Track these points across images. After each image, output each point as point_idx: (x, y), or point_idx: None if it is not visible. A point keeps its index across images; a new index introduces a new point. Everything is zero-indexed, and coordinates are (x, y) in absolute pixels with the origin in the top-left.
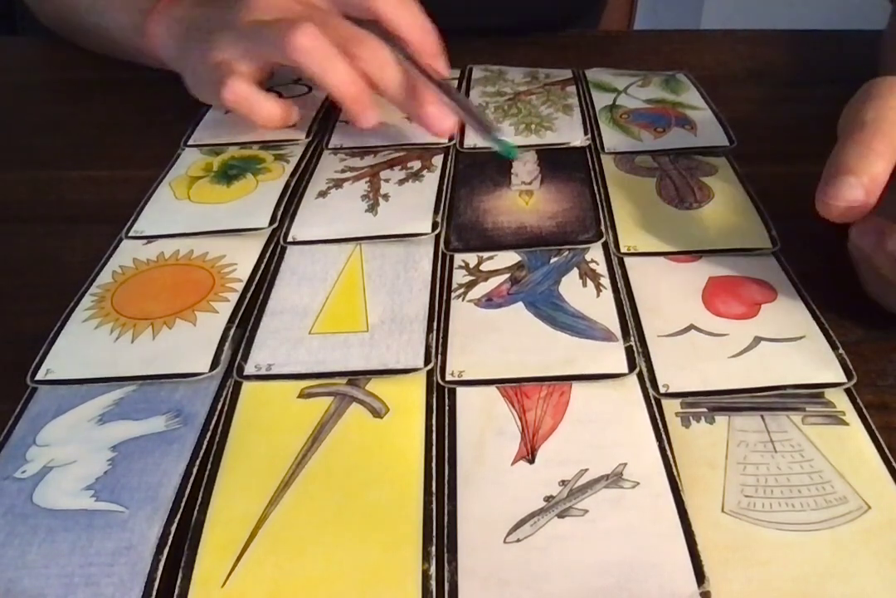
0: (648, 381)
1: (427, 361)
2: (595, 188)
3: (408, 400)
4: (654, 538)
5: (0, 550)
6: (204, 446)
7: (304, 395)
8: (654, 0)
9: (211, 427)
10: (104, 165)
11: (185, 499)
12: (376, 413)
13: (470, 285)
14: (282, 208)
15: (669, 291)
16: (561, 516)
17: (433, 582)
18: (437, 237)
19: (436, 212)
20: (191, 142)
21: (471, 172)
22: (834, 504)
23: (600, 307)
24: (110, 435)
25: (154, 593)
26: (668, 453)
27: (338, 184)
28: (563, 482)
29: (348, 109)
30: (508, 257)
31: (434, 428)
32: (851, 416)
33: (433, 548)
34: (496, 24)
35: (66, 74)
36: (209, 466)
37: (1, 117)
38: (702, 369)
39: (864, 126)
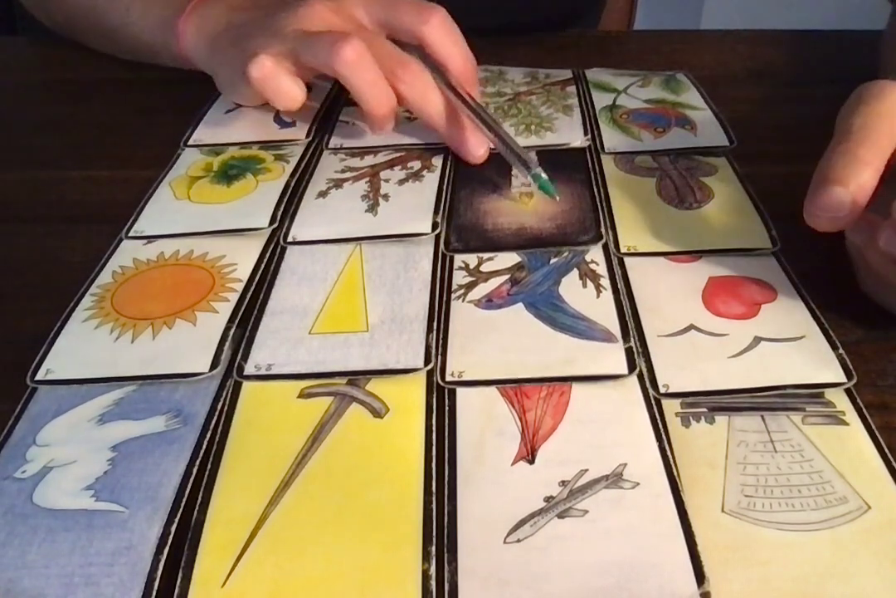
0: (648, 381)
1: (427, 361)
2: (595, 189)
3: (408, 400)
4: (654, 538)
5: (0, 550)
6: (204, 446)
7: (304, 395)
8: (654, 0)
9: (211, 427)
10: (104, 165)
11: (185, 499)
12: (376, 413)
13: (470, 286)
14: (282, 208)
15: (669, 291)
16: (561, 516)
17: (433, 582)
18: (437, 237)
19: (436, 212)
20: (191, 142)
21: (471, 174)
22: (834, 504)
23: (600, 308)
24: (110, 435)
25: (154, 593)
26: (668, 453)
27: (338, 184)
28: (563, 483)
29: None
30: (508, 258)
31: (434, 428)
32: (851, 416)
33: (433, 548)
34: (496, 24)
35: (66, 74)
36: (209, 466)
37: (1, 117)
38: (702, 369)
39: (850, 134)
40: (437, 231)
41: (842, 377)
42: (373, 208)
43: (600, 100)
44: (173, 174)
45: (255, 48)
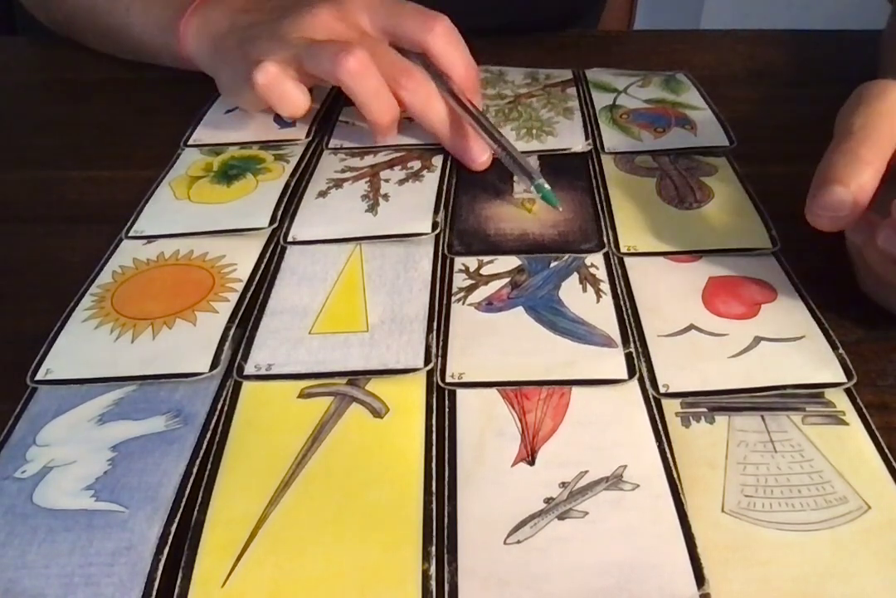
0: (648, 381)
1: (427, 361)
2: (596, 191)
3: (408, 400)
4: (654, 539)
5: (0, 550)
6: (204, 446)
7: (304, 395)
8: (654, 0)
9: (211, 427)
10: (104, 165)
11: (185, 499)
12: (376, 413)
13: (470, 289)
14: (282, 208)
15: (669, 292)
16: (561, 517)
17: (433, 582)
18: (438, 237)
19: (436, 212)
20: (191, 142)
21: (473, 179)
22: (834, 504)
23: (600, 313)
24: (110, 435)
25: (154, 593)
26: (668, 453)
27: (338, 184)
28: (564, 484)
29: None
30: (509, 262)
31: (434, 428)
32: (851, 416)
33: (433, 548)
34: (496, 24)
35: (66, 74)
36: (209, 466)
37: (1, 117)
38: (702, 369)
39: (852, 133)
40: (437, 231)
41: (842, 377)
42: (373, 208)
43: (600, 100)
44: (173, 174)
45: (260, 54)
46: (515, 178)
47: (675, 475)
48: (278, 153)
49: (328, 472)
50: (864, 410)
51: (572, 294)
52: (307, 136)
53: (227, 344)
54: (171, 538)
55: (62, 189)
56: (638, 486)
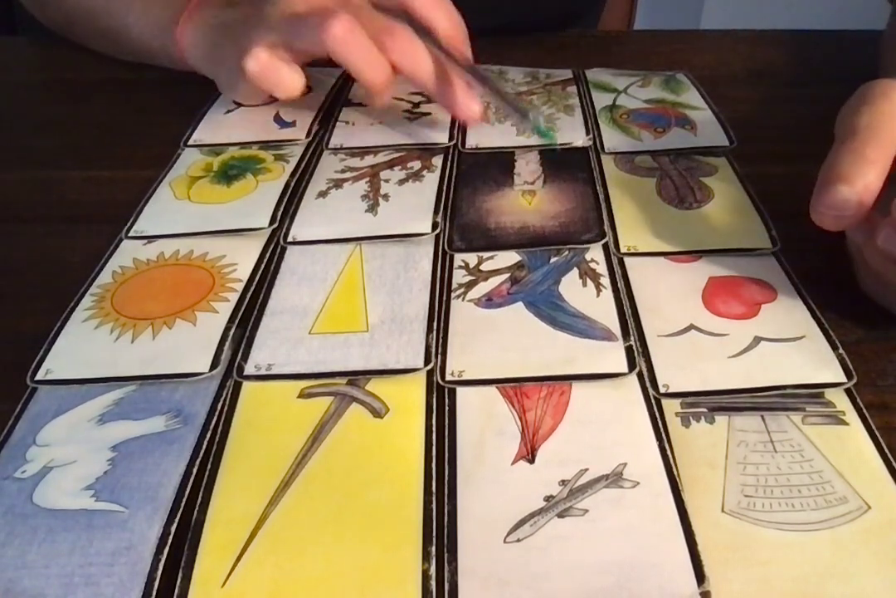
0: (648, 381)
1: (427, 361)
2: (597, 188)
3: (408, 400)
4: (654, 537)
5: (0, 550)
6: (204, 446)
7: (304, 395)
8: (654, 0)
9: (211, 427)
10: (104, 165)
11: (185, 499)
12: (376, 413)
13: (470, 285)
14: (282, 208)
15: (669, 291)
16: (561, 515)
17: (433, 582)
18: (438, 237)
19: (436, 212)
20: (191, 142)
21: (473, 173)
22: (834, 504)
23: (600, 307)
24: (110, 435)
25: (154, 593)
26: (668, 453)
27: (338, 184)
28: (563, 482)
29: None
30: (508, 257)
31: (434, 428)
32: (851, 416)
33: (433, 548)
34: (496, 24)
35: (66, 74)
36: (209, 466)
37: (1, 117)
38: (702, 369)
39: (857, 133)
40: (437, 231)
41: (842, 377)
42: (373, 208)
43: (600, 100)
44: (173, 174)
45: (247, 42)
46: (516, 169)
47: (676, 474)
48: (278, 153)
49: (328, 472)
50: (864, 410)
51: (572, 289)
52: (307, 136)
53: (227, 344)
54: (171, 538)
55: (62, 189)
56: (638, 484)
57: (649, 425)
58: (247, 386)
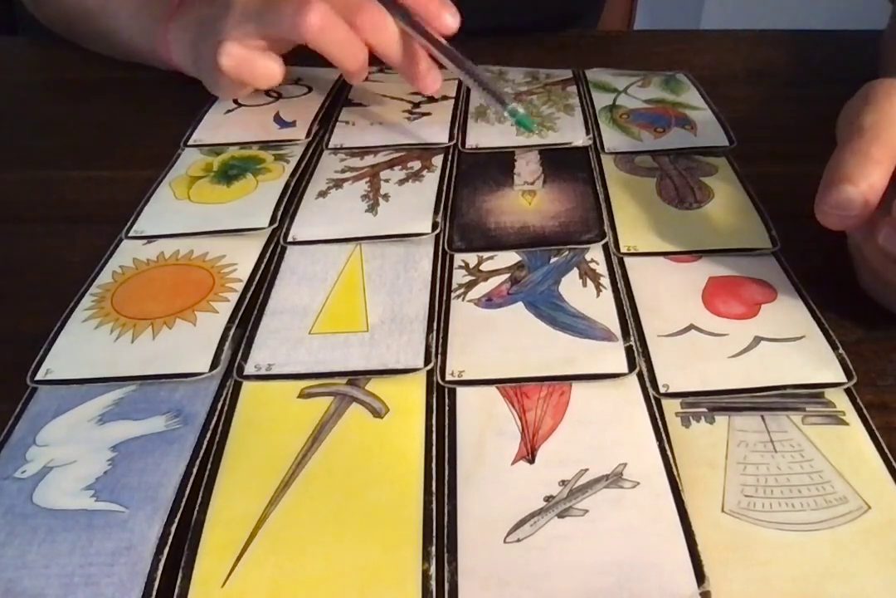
0: (648, 381)
1: (427, 361)
2: (597, 188)
3: (408, 400)
4: (654, 537)
5: (0, 550)
6: (204, 446)
7: (304, 395)
8: (654, 0)
9: (211, 427)
10: (104, 165)
11: (185, 499)
12: (376, 413)
13: (470, 285)
14: (282, 208)
15: (669, 291)
16: (561, 516)
17: (433, 582)
18: (437, 237)
19: (436, 212)
20: (191, 142)
21: (473, 172)
22: (834, 504)
23: (600, 307)
24: (110, 435)
25: (154, 593)
26: (668, 453)
27: (338, 184)
28: (563, 482)
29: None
30: (508, 257)
31: (434, 428)
32: (851, 416)
33: (433, 548)
34: (496, 24)
35: (66, 74)
36: (209, 466)
37: (1, 117)
38: (702, 369)
39: (862, 133)
40: (437, 231)
41: (842, 377)
42: (373, 208)
43: (600, 100)
44: (173, 174)
45: (218, 36)
46: (516, 169)
47: (676, 474)
48: (278, 153)
49: (328, 472)
50: (864, 410)
51: (572, 289)
52: (307, 136)
53: (227, 344)
54: (171, 538)
55: (62, 189)
56: (638, 484)
57: (649, 425)
58: (247, 386)
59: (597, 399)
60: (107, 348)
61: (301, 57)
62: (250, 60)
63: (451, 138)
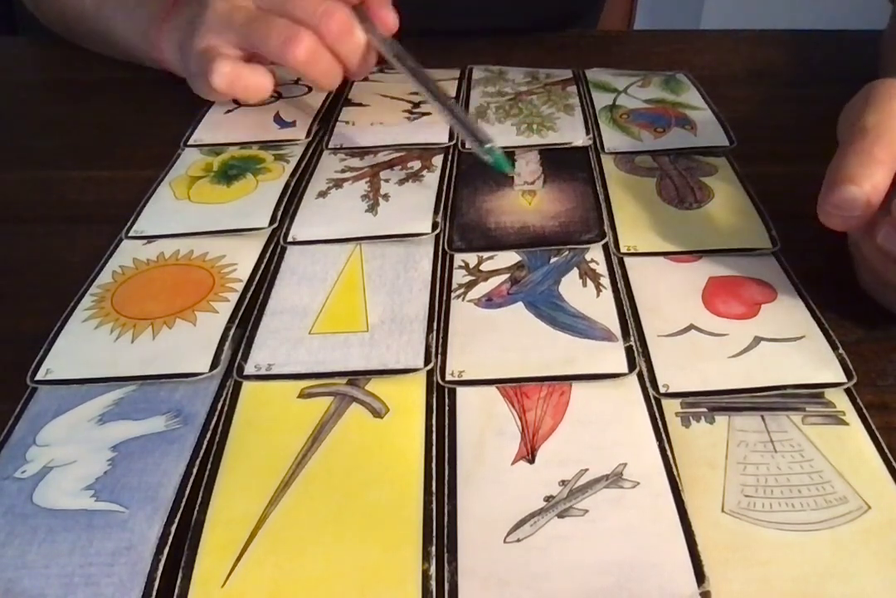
0: (648, 381)
1: (427, 361)
2: (597, 188)
3: (408, 400)
4: (654, 537)
5: (0, 550)
6: (204, 446)
7: (304, 395)
8: (654, 0)
9: (211, 427)
10: (104, 165)
11: (185, 499)
12: (376, 413)
13: (470, 285)
14: (282, 208)
15: (669, 291)
16: (561, 516)
17: (433, 582)
18: (438, 237)
19: (436, 212)
20: (191, 142)
21: (473, 172)
22: (834, 504)
23: (600, 307)
24: (110, 435)
25: (154, 593)
26: (668, 453)
27: (338, 184)
28: (563, 482)
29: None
30: (508, 257)
31: (434, 428)
32: (851, 416)
33: (433, 548)
34: (496, 24)
35: (66, 74)
36: (209, 466)
37: (1, 117)
38: (702, 369)
39: (865, 133)
40: (437, 231)
41: (842, 377)
42: (373, 208)
43: (600, 100)
44: (173, 174)
45: (195, 38)
46: (516, 169)
47: (676, 474)
48: (278, 153)
49: (328, 472)
50: (864, 410)
51: (572, 289)
52: (307, 136)
53: (227, 344)
54: (171, 538)
55: (62, 189)
56: (638, 484)
57: (649, 425)
58: (247, 386)
59: (597, 399)
60: (107, 348)
61: None
62: (242, 78)
63: (451, 138)
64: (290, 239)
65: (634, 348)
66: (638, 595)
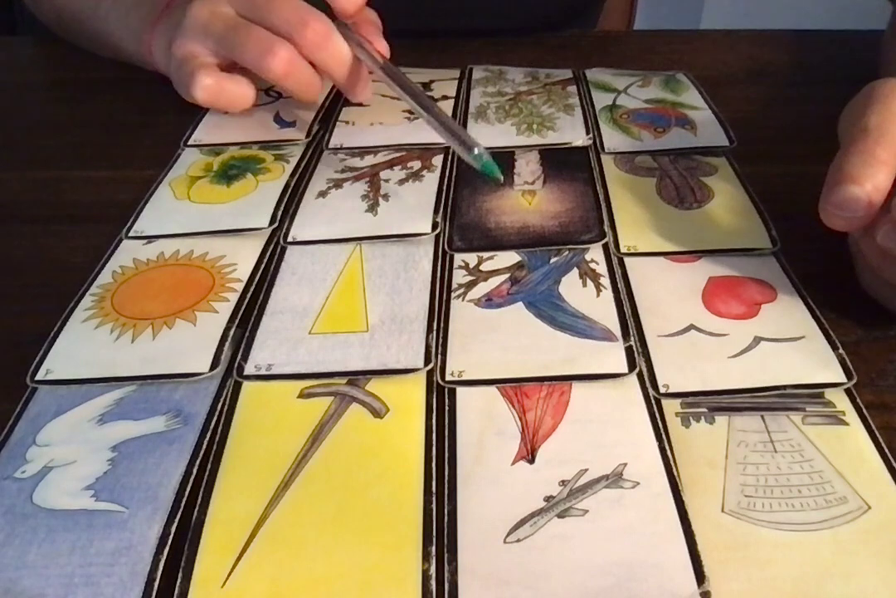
0: (648, 381)
1: (427, 361)
2: (597, 188)
3: (408, 400)
4: (654, 537)
5: (0, 550)
6: (204, 447)
7: (304, 395)
8: (654, 0)
9: (211, 427)
10: (104, 165)
11: (185, 499)
12: (376, 413)
13: (470, 285)
14: (282, 208)
15: (669, 292)
16: (561, 516)
17: (433, 582)
18: (438, 237)
19: (436, 212)
20: (191, 142)
21: (474, 172)
22: (834, 504)
23: (600, 307)
24: (110, 435)
25: (154, 593)
26: (668, 453)
27: (338, 184)
28: (563, 482)
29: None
30: (508, 257)
31: (434, 428)
32: (851, 416)
33: (433, 548)
34: (496, 24)
35: (66, 74)
36: (209, 466)
37: (1, 117)
38: (702, 369)
39: (866, 133)
40: (437, 231)
41: (842, 377)
42: (373, 208)
43: (600, 100)
44: (173, 174)
45: (184, 57)
46: (516, 169)
47: (676, 474)
48: (278, 153)
49: (328, 472)
50: (864, 410)
51: (572, 289)
52: (307, 136)
53: (227, 344)
54: (171, 538)
55: (62, 189)
56: (638, 484)
57: (649, 425)
58: (247, 386)
59: (597, 399)
60: (107, 348)
61: None
62: (225, 91)
63: None
64: (290, 239)
65: (634, 348)
66: (638, 595)
